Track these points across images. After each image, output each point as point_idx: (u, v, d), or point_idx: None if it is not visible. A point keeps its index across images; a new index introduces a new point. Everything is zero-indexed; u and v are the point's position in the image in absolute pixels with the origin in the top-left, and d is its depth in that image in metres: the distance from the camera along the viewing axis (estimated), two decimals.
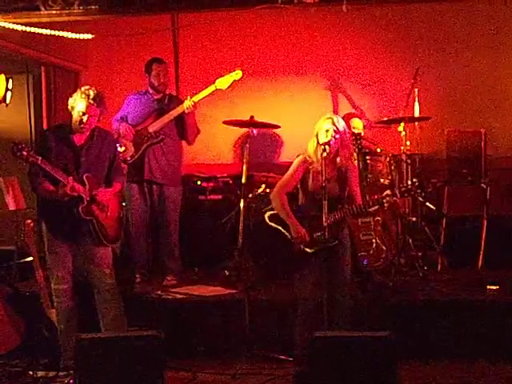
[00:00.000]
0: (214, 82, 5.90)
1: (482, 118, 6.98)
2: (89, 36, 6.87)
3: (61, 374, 4.82)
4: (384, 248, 6.06)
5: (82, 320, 4.92)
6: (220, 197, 6.84)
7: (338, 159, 4.76)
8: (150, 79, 6.06)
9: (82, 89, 4.78)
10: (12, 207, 5.94)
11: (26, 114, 6.66)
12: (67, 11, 6.05)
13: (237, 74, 5.93)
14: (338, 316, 4.64)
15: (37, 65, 7.32)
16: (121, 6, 6.09)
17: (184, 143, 6.21)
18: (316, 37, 7.39)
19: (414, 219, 6.26)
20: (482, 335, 5.05)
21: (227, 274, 6.06)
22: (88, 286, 4.93)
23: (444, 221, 6.36)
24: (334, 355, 3.92)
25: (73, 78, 7.62)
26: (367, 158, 6.24)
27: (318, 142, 4.71)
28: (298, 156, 4.96)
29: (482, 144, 6.33)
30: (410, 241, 6.01)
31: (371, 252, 6.01)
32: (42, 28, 6.46)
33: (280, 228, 4.77)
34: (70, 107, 4.79)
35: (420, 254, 6.04)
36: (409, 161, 6.12)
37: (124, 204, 6.15)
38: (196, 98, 5.85)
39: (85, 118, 4.72)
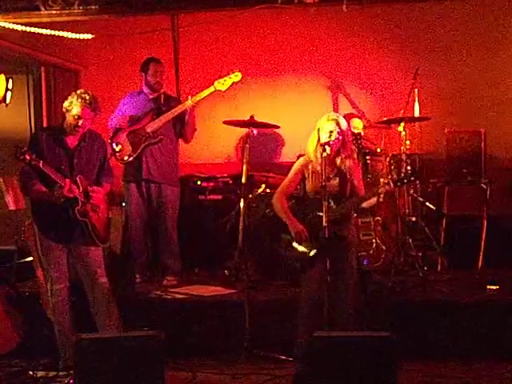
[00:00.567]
0: (212, 84, 5.91)
1: (481, 118, 6.98)
2: (89, 36, 6.89)
3: (61, 373, 4.82)
4: (384, 248, 6.06)
5: (82, 320, 4.92)
6: (220, 197, 6.84)
7: (339, 159, 4.76)
8: (147, 77, 6.06)
9: (78, 92, 4.79)
10: (12, 207, 5.94)
11: (26, 114, 6.65)
12: (67, 11, 6.06)
13: (236, 76, 5.92)
14: (340, 316, 4.64)
15: (37, 65, 7.32)
16: (121, 6, 6.10)
17: (181, 143, 6.23)
18: (316, 37, 7.39)
19: (413, 219, 6.26)
20: (482, 335, 5.05)
21: (227, 273, 6.06)
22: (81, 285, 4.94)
23: (444, 221, 6.36)
24: (334, 355, 3.92)
25: (73, 78, 7.62)
26: (367, 158, 6.25)
27: (318, 141, 4.70)
28: (298, 157, 4.96)
29: (482, 144, 6.33)
30: (410, 241, 6.00)
31: (371, 252, 6.01)
32: (42, 28, 6.47)
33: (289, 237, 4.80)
34: (64, 109, 4.79)
35: (420, 254, 6.03)
36: (409, 161, 6.11)
37: (124, 204, 6.19)
38: (196, 99, 5.86)
39: (80, 122, 4.73)
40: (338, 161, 4.77)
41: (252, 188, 6.16)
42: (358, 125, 6.81)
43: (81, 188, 4.75)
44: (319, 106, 7.30)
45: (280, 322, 5.20)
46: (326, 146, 4.61)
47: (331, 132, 4.68)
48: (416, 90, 6.52)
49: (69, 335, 4.78)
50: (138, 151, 5.91)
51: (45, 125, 7.27)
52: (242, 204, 5.75)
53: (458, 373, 4.77)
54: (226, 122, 6.32)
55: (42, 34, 6.53)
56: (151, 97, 6.08)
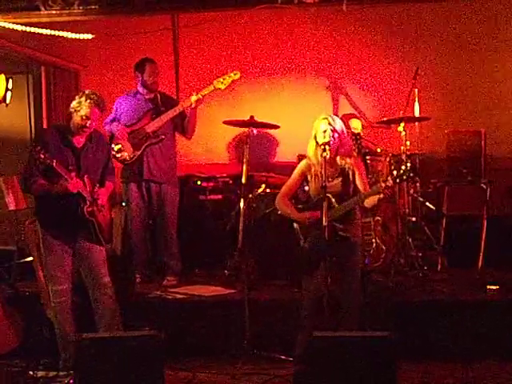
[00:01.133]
0: (212, 83, 5.91)
1: (482, 118, 6.99)
2: (89, 36, 6.89)
3: (61, 373, 4.82)
4: (384, 248, 6.06)
5: (82, 320, 4.92)
6: (220, 197, 6.83)
7: (338, 158, 4.76)
8: (144, 77, 6.06)
9: (87, 92, 4.76)
10: (12, 207, 5.93)
11: (26, 113, 6.64)
12: (67, 11, 6.05)
13: (235, 75, 5.94)
14: (345, 315, 4.65)
15: (37, 65, 7.31)
16: (121, 6, 6.09)
17: (180, 142, 6.21)
18: (316, 37, 7.38)
19: (414, 219, 6.26)
20: (482, 335, 5.05)
21: (227, 273, 6.06)
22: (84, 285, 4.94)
23: (444, 221, 6.36)
24: (334, 355, 3.92)
25: (73, 78, 7.61)
26: (367, 158, 6.25)
27: (317, 143, 4.72)
28: (298, 157, 4.96)
29: (482, 144, 6.33)
30: (410, 241, 6.01)
31: (371, 252, 6.01)
32: (42, 28, 6.47)
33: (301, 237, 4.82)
34: (72, 109, 4.76)
35: (420, 254, 6.03)
36: (409, 161, 6.10)
37: (124, 204, 6.19)
38: (199, 95, 5.86)
39: (88, 123, 4.72)
40: (339, 159, 4.77)
41: (252, 188, 6.15)
42: (356, 125, 6.80)
43: (88, 187, 4.75)
44: (319, 105, 7.29)
45: (280, 321, 5.20)
46: (326, 146, 4.63)
47: (325, 131, 4.70)
48: (416, 90, 6.52)
49: (69, 336, 4.78)
50: (140, 151, 5.92)
51: (45, 125, 7.26)
52: (242, 204, 5.75)
53: (458, 373, 4.77)
54: (225, 122, 6.32)
55: (42, 34, 6.53)
56: (148, 97, 6.09)
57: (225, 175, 6.91)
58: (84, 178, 4.75)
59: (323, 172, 4.55)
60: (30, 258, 5.27)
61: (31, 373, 4.88)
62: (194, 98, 5.87)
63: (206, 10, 6.57)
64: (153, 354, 4.03)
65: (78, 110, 4.72)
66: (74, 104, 4.76)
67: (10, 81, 6.07)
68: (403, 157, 6.08)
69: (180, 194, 6.24)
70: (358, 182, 4.75)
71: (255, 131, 5.96)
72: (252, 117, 6.01)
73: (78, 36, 6.83)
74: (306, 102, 7.37)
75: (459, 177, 6.29)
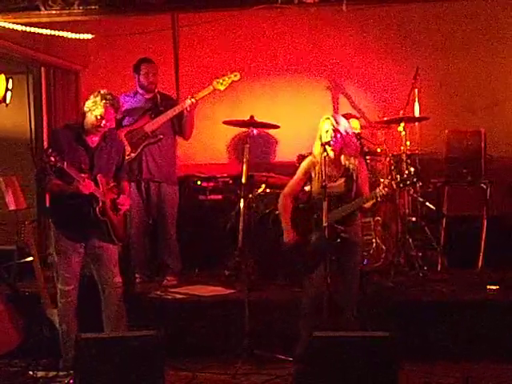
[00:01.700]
0: (211, 83, 5.91)
1: (481, 118, 6.99)
2: (89, 36, 6.89)
3: (61, 373, 4.81)
4: (384, 248, 6.06)
5: (83, 320, 4.92)
6: (220, 197, 6.84)
7: (343, 158, 4.76)
8: (140, 79, 6.07)
9: (102, 92, 4.71)
10: (12, 207, 5.93)
11: (26, 114, 6.64)
12: (67, 11, 6.05)
13: (235, 76, 5.92)
14: (342, 317, 4.65)
15: (37, 65, 7.31)
16: (121, 6, 6.09)
17: (180, 142, 6.22)
18: (316, 37, 7.38)
19: (414, 219, 6.26)
20: (482, 335, 5.05)
21: (227, 274, 6.06)
22: (91, 285, 4.92)
23: (444, 221, 6.36)
24: (334, 355, 3.93)
25: (73, 78, 7.61)
26: (367, 158, 6.24)
27: (321, 143, 4.72)
28: (298, 157, 4.95)
29: (482, 144, 6.33)
30: (410, 241, 6.01)
31: (371, 252, 6.02)
32: (42, 28, 6.46)
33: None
34: (86, 109, 4.72)
35: (420, 254, 6.03)
36: (409, 161, 6.11)
37: None
38: (196, 98, 5.86)
39: (103, 123, 4.69)
40: (343, 159, 4.77)
41: (252, 188, 6.15)
42: (355, 125, 6.78)
43: (101, 187, 4.74)
44: (319, 106, 7.30)
45: (280, 322, 5.21)
46: (327, 146, 4.65)
47: (327, 131, 4.71)
48: (416, 90, 6.52)
49: (72, 336, 4.75)
50: (138, 151, 5.92)
51: (45, 125, 7.26)
52: (241, 204, 5.75)
53: (458, 373, 4.77)
54: (225, 122, 6.32)
55: (42, 34, 6.53)
56: (147, 97, 6.09)
57: (225, 175, 6.91)
58: (97, 177, 4.74)
59: (323, 172, 4.55)
60: (30, 258, 5.26)
61: (31, 373, 4.88)
62: (188, 101, 5.86)
63: (206, 10, 6.57)
64: (153, 353, 4.03)
65: (93, 110, 4.68)
66: (88, 103, 4.72)
67: (10, 81, 6.07)
68: (403, 157, 6.09)
69: (180, 193, 6.24)
70: (359, 184, 4.75)
71: (255, 131, 5.96)
72: (252, 117, 6.02)
73: (78, 36, 6.83)
74: (305, 102, 7.38)
75: (459, 177, 6.29)
